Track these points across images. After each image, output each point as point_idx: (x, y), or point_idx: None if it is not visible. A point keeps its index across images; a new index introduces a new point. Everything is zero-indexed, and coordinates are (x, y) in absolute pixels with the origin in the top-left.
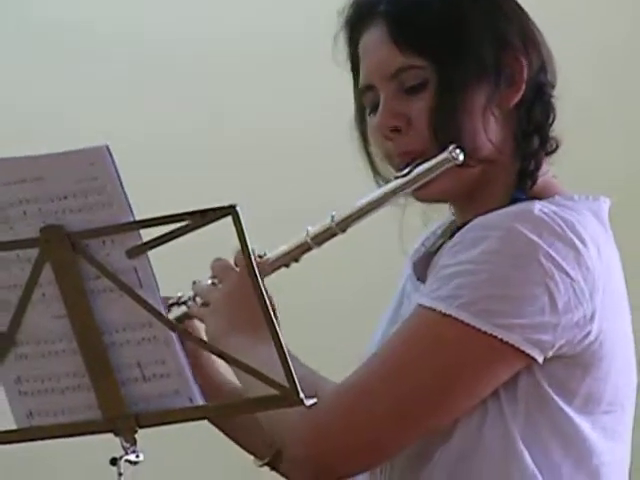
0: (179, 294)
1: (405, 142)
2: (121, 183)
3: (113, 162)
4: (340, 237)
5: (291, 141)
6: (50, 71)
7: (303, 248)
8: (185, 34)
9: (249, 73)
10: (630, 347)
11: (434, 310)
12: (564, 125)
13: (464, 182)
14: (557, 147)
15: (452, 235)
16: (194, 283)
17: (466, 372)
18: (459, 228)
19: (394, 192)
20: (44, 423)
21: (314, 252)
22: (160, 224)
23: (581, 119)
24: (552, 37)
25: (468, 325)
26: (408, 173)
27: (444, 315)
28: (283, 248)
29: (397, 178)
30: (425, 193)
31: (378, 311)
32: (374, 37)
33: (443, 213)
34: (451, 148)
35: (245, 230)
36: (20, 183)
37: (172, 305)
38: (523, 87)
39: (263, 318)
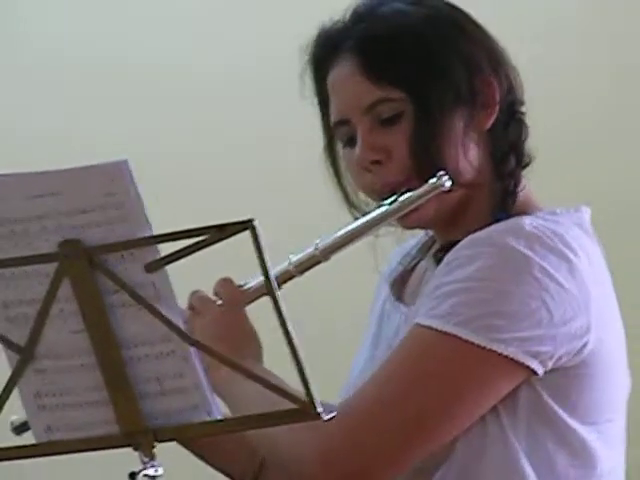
0: None
1: (386, 174)
2: (140, 198)
3: (132, 177)
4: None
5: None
6: (51, 89)
7: (286, 276)
8: (190, 54)
9: (252, 93)
10: (624, 352)
11: (432, 328)
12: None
13: (447, 207)
14: (530, 161)
15: (436, 254)
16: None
17: (468, 389)
18: (444, 247)
19: (379, 220)
20: (63, 438)
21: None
22: (178, 239)
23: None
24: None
25: (467, 342)
26: (393, 202)
27: (442, 333)
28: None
29: (381, 207)
30: (411, 220)
31: (358, 335)
32: (344, 72)
33: (415, 233)
34: (439, 174)
35: (262, 244)
36: (39, 198)
37: None
38: (497, 108)
39: (248, 347)
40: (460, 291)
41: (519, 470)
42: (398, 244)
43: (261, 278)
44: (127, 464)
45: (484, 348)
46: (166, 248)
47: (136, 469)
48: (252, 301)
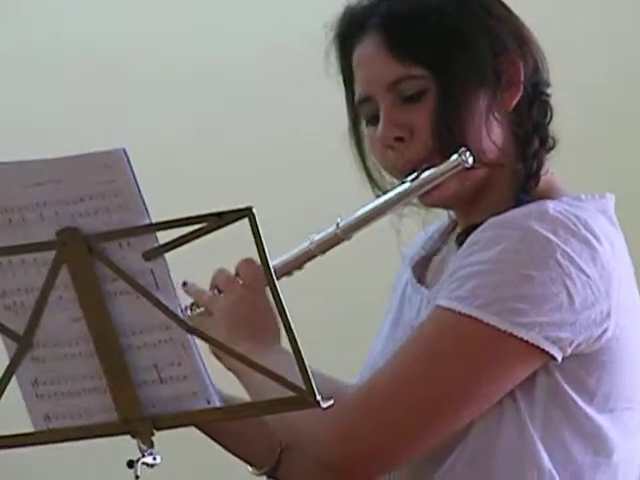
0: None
1: (409, 151)
2: (138, 186)
3: (130, 165)
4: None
5: (295, 149)
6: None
7: (307, 256)
8: (191, 46)
9: (253, 83)
10: None
11: (453, 311)
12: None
13: (469, 185)
14: (554, 144)
15: (459, 236)
16: (184, 284)
17: (487, 371)
18: (465, 230)
19: (400, 198)
20: (61, 426)
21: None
22: (177, 226)
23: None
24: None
25: (488, 324)
26: (415, 178)
27: (463, 315)
28: (286, 256)
29: (403, 184)
30: (432, 198)
31: (378, 317)
32: (369, 49)
33: (439, 217)
34: (461, 151)
35: (261, 232)
36: (37, 186)
37: None
38: (521, 88)
39: (267, 329)
40: (482, 273)
41: (533, 455)
42: (422, 227)
43: (286, 257)
44: (125, 452)
45: (504, 332)
46: (165, 236)
47: (134, 457)
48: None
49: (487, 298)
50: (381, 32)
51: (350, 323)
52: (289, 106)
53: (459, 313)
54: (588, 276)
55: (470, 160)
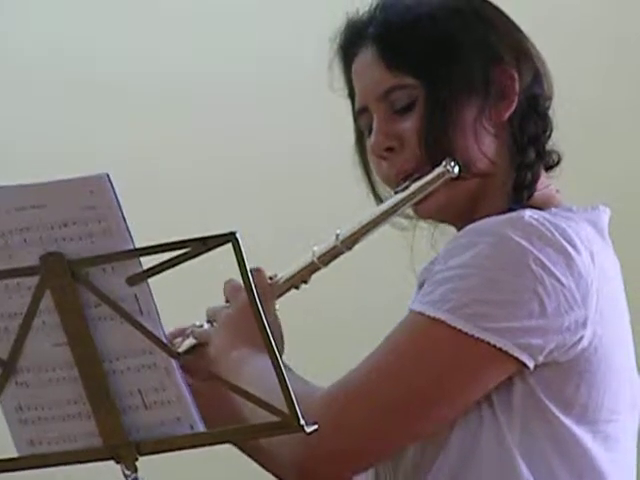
0: (197, 323)
1: (399, 161)
2: (121, 211)
3: (114, 190)
4: (348, 255)
5: (294, 162)
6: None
7: (311, 268)
8: (190, 61)
9: (247, 95)
10: (629, 353)
11: (423, 314)
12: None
13: (461, 196)
14: (559, 161)
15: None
16: (208, 308)
17: (456, 376)
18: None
19: (394, 208)
20: (45, 451)
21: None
22: (160, 252)
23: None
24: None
25: (456, 329)
26: (406, 188)
27: (433, 319)
28: (292, 269)
29: (397, 193)
30: (424, 208)
31: (386, 329)
32: (365, 60)
33: (450, 236)
34: (446, 162)
35: (245, 257)
36: (21, 210)
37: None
38: (515, 100)
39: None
40: (453, 278)
41: (512, 466)
42: (432, 248)
43: (292, 269)
44: (110, 477)
45: (472, 336)
46: (149, 261)
47: None
48: (282, 294)
49: (457, 302)
50: (376, 42)
51: (359, 335)
52: (289, 119)
53: (429, 317)
54: (562, 284)
55: (456, 170)
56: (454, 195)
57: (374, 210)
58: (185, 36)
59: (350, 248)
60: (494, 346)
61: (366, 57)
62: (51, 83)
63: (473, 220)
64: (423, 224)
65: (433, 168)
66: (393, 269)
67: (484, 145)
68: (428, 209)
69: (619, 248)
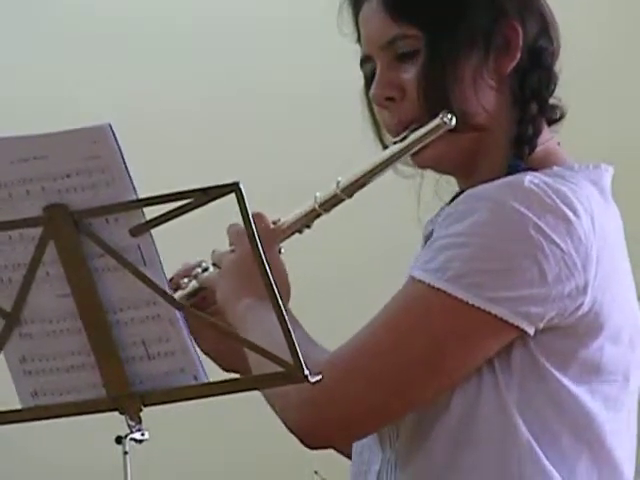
0: (203, 264)
1: (399, 111)
2: (124, 161)
3: (116, 140)
4: (349, 204)
5: (294, 113)
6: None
7: (313, 214)
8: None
9: (251, 41)
10: (633, 317)
11: (424, 283)
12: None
13: (459, 148)
14: (562, 116)
15: (448, 204)
16: (213, 252)
17: (456, 344)
18: (454, 197)
19: (392, 158)
20: (49, 402)
21: (324, 218)
22: (163, 202)
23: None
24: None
25: (456, 298)
26: (404, 139)
27: (433, 288)
28: (294, 214)
29: (395, 144)
30: (422, 159)
31: (388, 278)
32: (370, 8)
33: (455, 186)
34: (442, 114)
35: (248, 207)
36: (23, 162)
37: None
38: (518, 54)
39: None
40: (453, 246)
41: (512, 426)
42: (438, 196)
43: (294, 214)
44: (114, 428)
45: (472, 306)
46: (152, 212)
47: (123, 433)
48: (285, 238)
49: (456, 271)
50: None
51: (361, 284)
52: (290, 62)
53: (429, 285)
54: (562, 250)
55: (453, 122)
56: (452, 147)
57: (373, 159)
58: None
59: (350, 196)
60: (495, 316)
61: (372, 5)
62: (50, 29)
63: (473, 173)
64: (428, 173)
65: (431, 119)
66: (399, 217)
67: (484, 98)
68: (425, 160)
69: (621, 207)
